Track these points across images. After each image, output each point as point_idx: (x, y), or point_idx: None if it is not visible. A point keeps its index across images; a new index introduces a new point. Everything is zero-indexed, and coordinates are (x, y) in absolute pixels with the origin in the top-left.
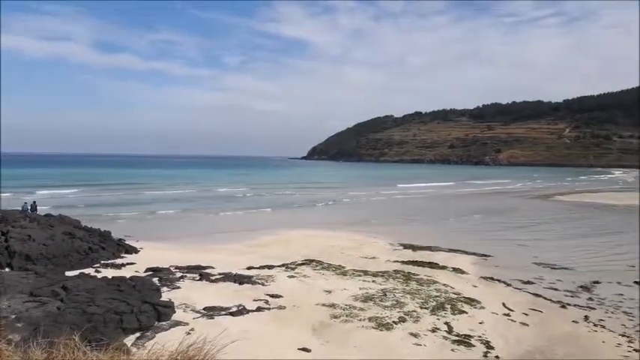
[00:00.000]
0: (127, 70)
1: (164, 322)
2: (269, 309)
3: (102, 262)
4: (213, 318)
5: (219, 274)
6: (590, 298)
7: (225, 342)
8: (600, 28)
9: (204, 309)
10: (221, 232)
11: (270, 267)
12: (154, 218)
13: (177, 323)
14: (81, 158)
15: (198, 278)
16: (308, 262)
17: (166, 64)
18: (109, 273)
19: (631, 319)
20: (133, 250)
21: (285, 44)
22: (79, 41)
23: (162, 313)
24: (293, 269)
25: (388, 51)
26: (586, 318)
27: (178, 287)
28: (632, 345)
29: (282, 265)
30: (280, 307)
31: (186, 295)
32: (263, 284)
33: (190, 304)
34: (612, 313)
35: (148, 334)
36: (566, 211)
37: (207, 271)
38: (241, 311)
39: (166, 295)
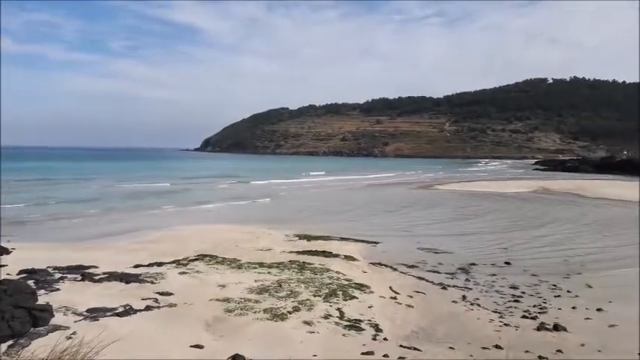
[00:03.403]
0: None
1: (41, 328)
2: (159, 307)
3: None
4: (97, 320)
5: (104, 273)
6: (467, 279)
7: (105, 343)
8: (477, 29)
9: (87, 311)
10: (108, 230)
11: (159, 264)
12: (33, 218)
13: (57, 328)
14: None
15: (79, 279)
16: (201, 257)
17: (44, 48)
18: None
19: (502, 297)
20: (4, 252)
21: (176, 30)
22: None
23: (39, 317)
24: (185, 265)
25: (282, 42)
26: (464, 297)
27: (57, 289)
28: (502, 320)
29: (174, 262)
30: (171, 305)
31: (67, 297)
32: (152, 282)
33: (71, 307)
34: (486, 292)
35: (22, 341)
36: (454, 200)
37: (90, 270)
38: (128, 311)
39: (44, 298)
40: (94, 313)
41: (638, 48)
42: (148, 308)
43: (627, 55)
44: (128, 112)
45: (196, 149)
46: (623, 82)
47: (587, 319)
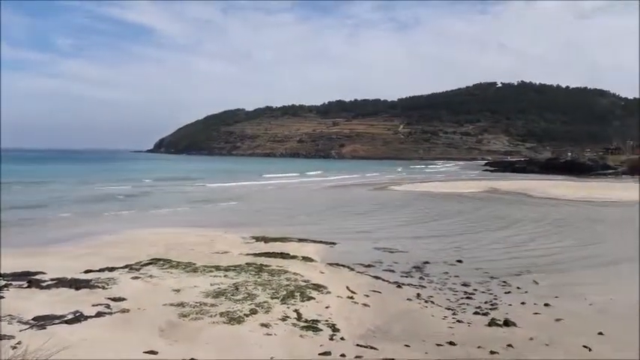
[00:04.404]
0: None
1: None
2: (111, 313)
3: None
4: (44, 328)
5: (52, 279)
6: (421, 277)
7: (52, 351)
8: (428, 34)
9: (33, 319)
10: (58, 235)
11: (111, 269)
12: None
13: (0, 337)
14: None
15: (26, 285)
16: (155, 261)
17: None
18: None
19: (454, 294)
20: None
21: (128, 30)
22: None
23: None
24: (138, 270)
25: (237, 44)
26: (418, 295)
27: (1, 297)
28: (455, 316)
29: (126, 267)
30: (123, 311)
31: (12, 305)
32: (104, 288)
33: (17, 315)
34: (440, 289)
35: None
36: (411, 200)
37: (38, 277)
38: (78, 318)
39: None
40: (41, 321)
41: (638, 48)
42: (99, 314)
43: (570, 62)
44: (77, 112)
45: (149, 150)
46: (567, 87)
47: (536, 314)
